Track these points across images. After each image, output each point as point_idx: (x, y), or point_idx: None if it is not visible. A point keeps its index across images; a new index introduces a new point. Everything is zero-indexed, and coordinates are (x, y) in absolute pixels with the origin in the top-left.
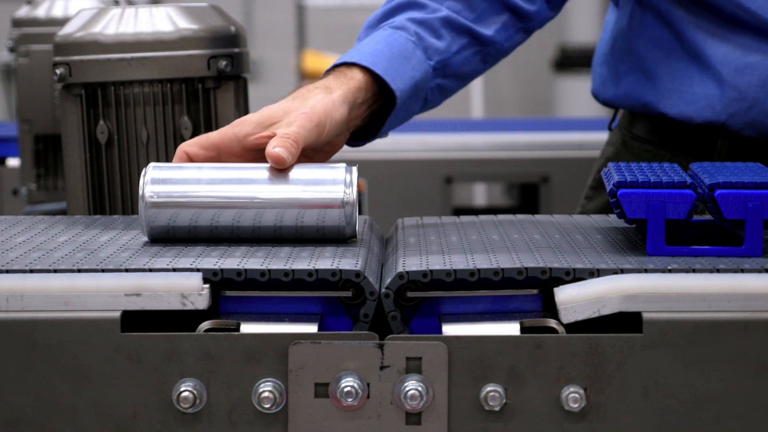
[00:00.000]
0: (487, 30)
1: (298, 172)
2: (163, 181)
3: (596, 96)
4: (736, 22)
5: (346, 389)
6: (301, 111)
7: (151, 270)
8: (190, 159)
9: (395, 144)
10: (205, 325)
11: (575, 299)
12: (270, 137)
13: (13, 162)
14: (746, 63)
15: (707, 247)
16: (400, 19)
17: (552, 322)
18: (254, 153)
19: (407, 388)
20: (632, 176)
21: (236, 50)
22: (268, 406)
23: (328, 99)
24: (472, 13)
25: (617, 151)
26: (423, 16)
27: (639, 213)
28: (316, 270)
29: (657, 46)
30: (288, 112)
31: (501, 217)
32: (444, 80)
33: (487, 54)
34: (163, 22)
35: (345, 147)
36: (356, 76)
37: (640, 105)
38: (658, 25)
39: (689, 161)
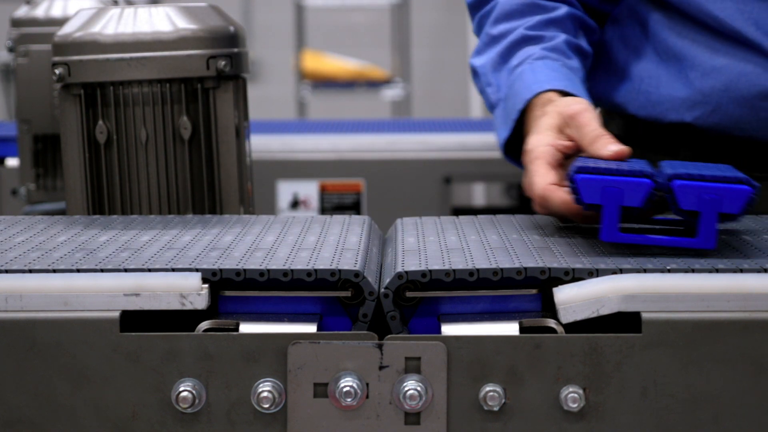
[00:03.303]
0: (585, 45)
1: None
2: None
3: None
4: (705, 26)
5: (345, 389)
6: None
7: (150, 270)
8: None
9: (394, 144)
10: (204, 325)
11: (574, 299)
12: (570, 143)
13: (12, 162)
14: (712, 66)
15: (660, 236)
16: (534, 50)
17: (551, 322)
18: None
19: (406, 388)
20: (594, 164)
21: (235, 50)
22: (267, 405)
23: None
24: (571, 34)
25: None
26: (551, 44)
27: (595, 198)
28: (315, 270)
29: (629, 46)
30: (568, 119)
31: (500, 217)
32: None
33: (588, 68)
34: (162, 22)
35: (342, 147)
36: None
37: (611, 105)
38: (631, 24)
39: (659, 157)
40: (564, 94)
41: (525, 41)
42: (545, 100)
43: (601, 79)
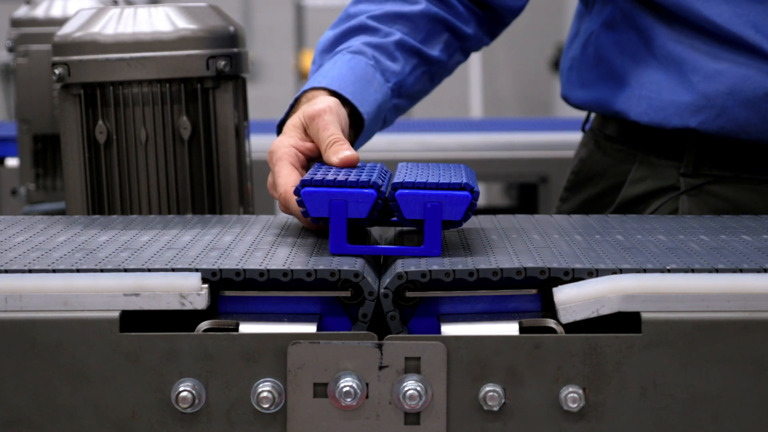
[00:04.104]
0: (433, 51)
1: None
2: None
3: (566, 99)
4: (704, 31)
5: (344, 389)
6: (317, 109)
7: (149, 270)
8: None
9: (394, 144)
10: (204, 325)
11: (574, 299)
12: (312, 144)
13: (12, 162)
14: (715, 70)
15: (389, 246)
16: (356, 43)
17: (551, 322)
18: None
19: (406, 388)
20: (323, 174)
21: (235, 50)
22: (266, 406)
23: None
24: (419, 35)
25: (590, 153)
26: (378, 40)
27: (321, 212)
28: (315, 270)
29: (626, 52)
30: (309, 120)
31: (500, 217)
32: (399, 100)
33: (434, 73)
34: (162, 22)
35: None
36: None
37: (611, 112)
38: (627, 30)
39: (662, 161)
40: (338, 96)
41: (360, 30)
42: (311, 96)
43: (599, 85)
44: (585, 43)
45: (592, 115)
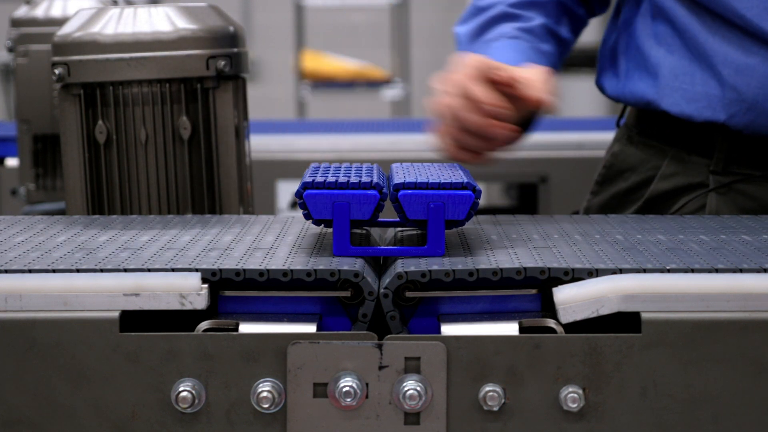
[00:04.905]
0: (565, 33)
1: None
2: None
3: (601, 89)
4: (734, 25)
5: (344, 389)
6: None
7: (149, 270)
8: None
9: (394, 144)
10: (204, 324)
11: (574, 299)
12: (510, 77)
13: (11, 162)
14: (746, 64)
15: (392, 247)
16: (508, 29)
17: (551, 322)
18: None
19: (406, 388)
20: (323, 176)
21: (235, 50)
22: (266, 405)
23: None
24: (551, 19)
25: (623, 147)
26: (526, 25)
27: (325, 214)
28: (315, 270)
29: (660, 43)
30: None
31: (500, 217)
32: None
33: (564, 55)
34: (162, 22)
35: (342, 147)
36: None
37: (643, 102)
38: (661, 22)
39: (692, 157)
40: None
41: (503, 18)
42: None
43: (634, 76)
44: (621, 34)
45: (627, 110)
